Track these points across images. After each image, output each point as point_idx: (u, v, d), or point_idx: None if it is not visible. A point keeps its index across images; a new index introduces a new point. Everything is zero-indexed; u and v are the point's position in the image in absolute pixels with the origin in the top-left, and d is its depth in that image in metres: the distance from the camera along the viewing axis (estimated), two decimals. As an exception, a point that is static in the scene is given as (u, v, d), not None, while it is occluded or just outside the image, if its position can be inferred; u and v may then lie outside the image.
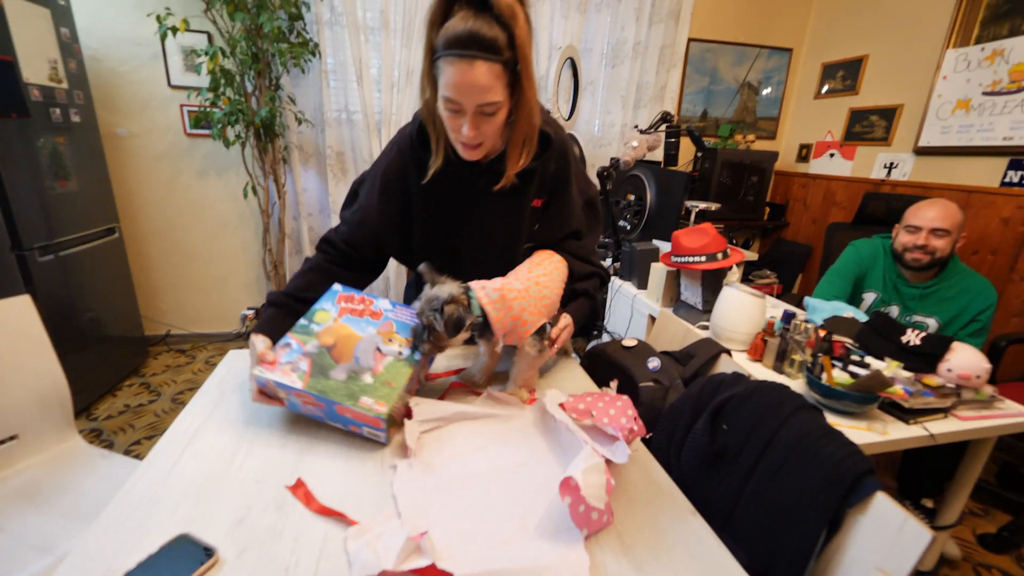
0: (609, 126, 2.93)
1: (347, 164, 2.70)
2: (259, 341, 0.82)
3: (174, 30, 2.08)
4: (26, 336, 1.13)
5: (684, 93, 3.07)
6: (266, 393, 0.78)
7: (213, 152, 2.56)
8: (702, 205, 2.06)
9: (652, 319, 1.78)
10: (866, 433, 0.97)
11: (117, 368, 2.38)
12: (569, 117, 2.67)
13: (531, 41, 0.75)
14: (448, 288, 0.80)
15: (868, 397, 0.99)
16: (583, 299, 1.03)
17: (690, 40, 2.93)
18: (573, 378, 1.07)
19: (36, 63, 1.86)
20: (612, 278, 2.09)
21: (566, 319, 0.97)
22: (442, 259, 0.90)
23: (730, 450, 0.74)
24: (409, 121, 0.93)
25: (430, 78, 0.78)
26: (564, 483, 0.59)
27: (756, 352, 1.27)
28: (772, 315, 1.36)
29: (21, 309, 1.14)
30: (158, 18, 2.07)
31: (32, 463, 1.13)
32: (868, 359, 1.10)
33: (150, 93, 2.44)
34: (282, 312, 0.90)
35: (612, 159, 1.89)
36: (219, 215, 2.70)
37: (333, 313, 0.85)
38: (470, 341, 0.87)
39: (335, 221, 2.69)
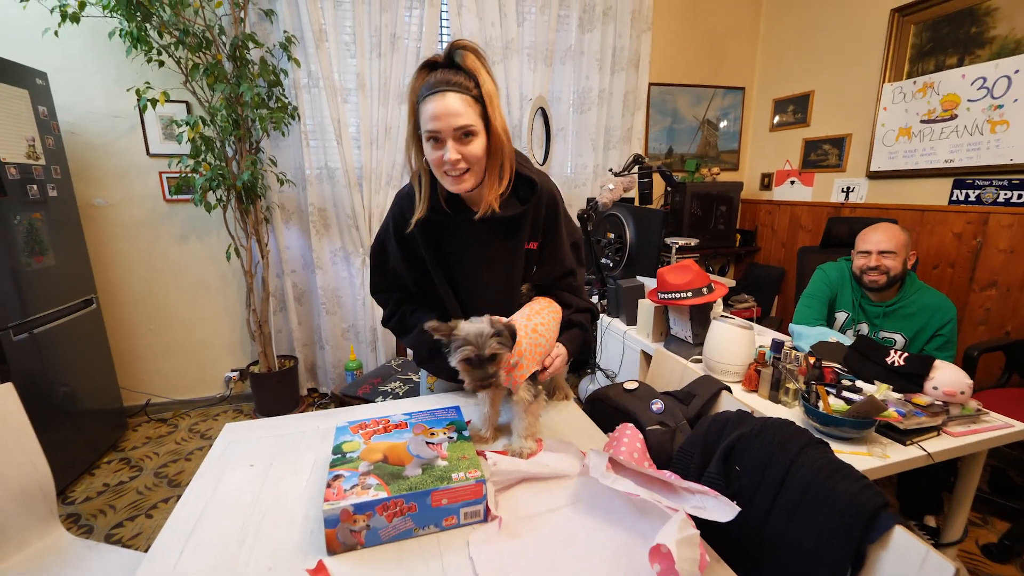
0: (582, 168, 3.04)
1: (329, 219, 2.72)
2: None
3: (153, 102, 2.11)
4: (7, 427, 1.08)
5: (649, 133, 3.23)
6: (337, 539, 0.70)
7: (193, 216, 2.55)
8: (681, 241, 2.13)
9: (644, 355, 1.80)
10: (869, 459, 0.99)
11: (94, 444, 2.25)
12: (544, 161, 2.78)
13: (496, 88, 0.87)
14: (499, 324, 0.84)
15: (865, 422, 1.01)
16: (576, 329, 1.08)
17: (651, 85, 3.11)
18: (576, 424, 1.07)
19: (13, 142, 1.85)
20: (600, 315, 2.13)
21: (559, 348, 1.01)
22: (455, 300, 1.00)
23: (745, 492, 0.75)
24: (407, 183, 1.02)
25: (415, 137, 0.89)
26: (655, 550, 0.58)
27: (751, 383, 1.29)
28: (761, 344, 1.39)
29: (3, 398, 1.08)
30: (137, 92, 2.10)
31: (14, 563, 1.05)
32: (859, 383, 1.14)
33: (128, 163, 2.43)
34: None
35: (589, 200, 1.95)
36: (200, 278, 2.66)
37: (359, 440, 0.85)
38: (455, 374, 0.90)
39: (319, 276, 2.70)
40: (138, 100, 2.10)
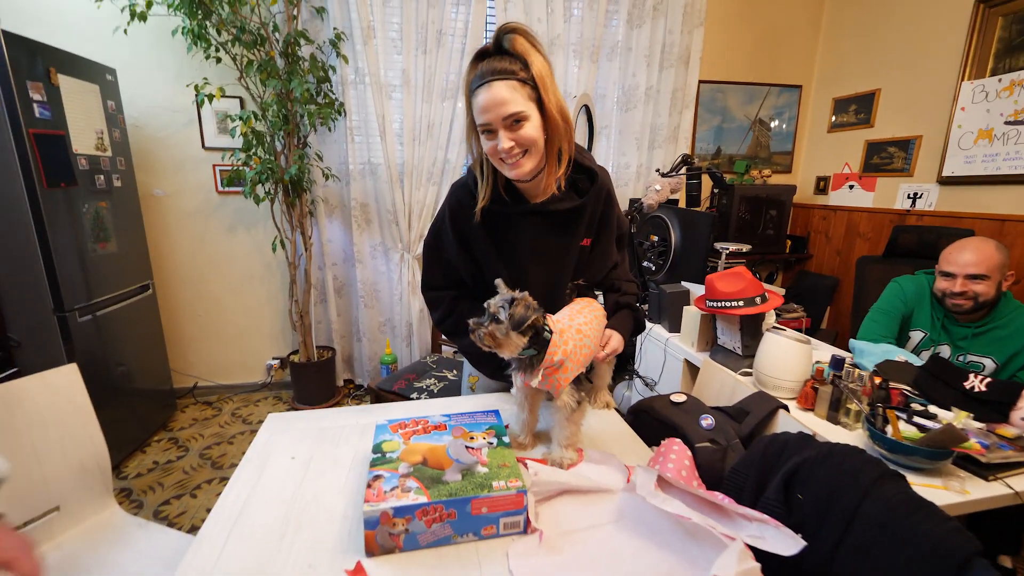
0: (624, 167, 2.97)
1: (371, 214, 2.77)
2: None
3: (210, 97, 2.20)
4: (72, 404, 1.14)
5: (697, 132, 3.12)
6: (375, 541, 0.69)
7: (242, 208, 2.65)
8: (732, 247, 2.04)
9: (688, 364, 1.74)
10: (945, 493, 0.90)
11: (146, 423, 2.38)
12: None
13: (549, 68, 0.85)
14: (528, 298, 0.82)
15: (941, 452, 0.93)
16: (626, 311, 1.07)
17: (700, 82, 3.00)
18: (618, 435, 1.03)
19: (85, 135, 1.97)
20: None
21: (610, 332, 1.00)
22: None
23: (808, 524, 0.69)
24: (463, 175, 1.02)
25: (473, 128, 0.89)
26: None
27: (807, 401, 1.21)
28: (818, 360, 1.31)
29: (68, 377, 1.14)
30: (196, 87, 2.19)
31: (70, 536, 1.10)
32: (932, 408, 1.05)
33: (185, 155, 2.55)
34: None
35: (633, 201, 1.90)
36: (246, 267, 2.76)
37: (399, 440, 0.85)
38: (505, 367, 0.90)
39: (359, 270, 2.75)
40: (196, 95, 2.19)
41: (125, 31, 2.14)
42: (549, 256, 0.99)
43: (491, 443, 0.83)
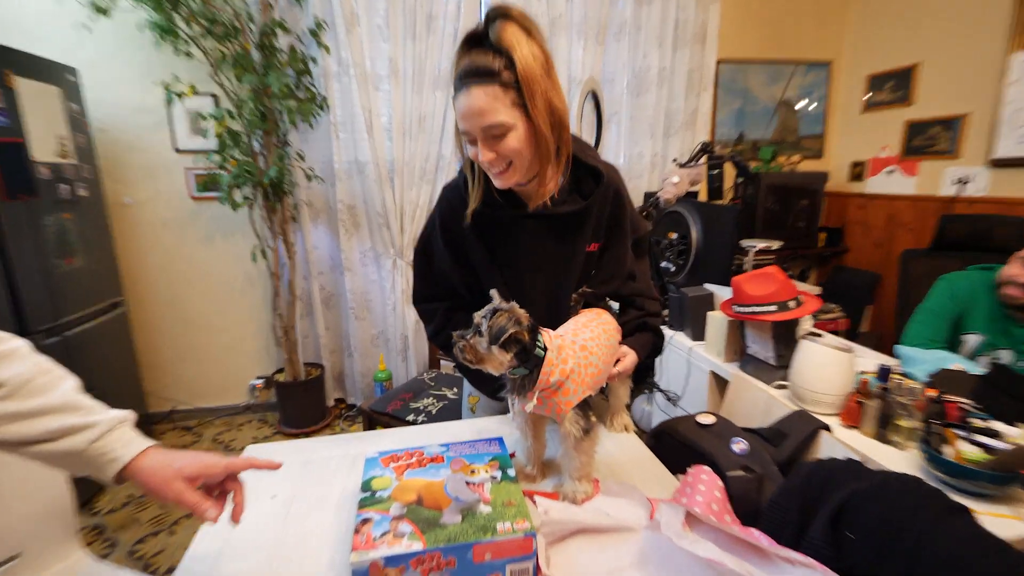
0: (637, 158, 2.95)
1: (359, 217, 2.75)
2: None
3: (181, 95, 2.19)
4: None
5: (717, 116, 3.09)
6: None
7: (219, 215, 2.64)
8: (761, 244, 2.01)
9: (715, 376, 1.71)
10: (1016, 523, 0.86)
11: (119, 454, 2.37)
12: (595, 150, 2.70)
13: (542, 62, 0.81)
14: (516, 309, 0.80)
15: (1010, 476, 0.89)
16: (648, 334, 1.05)
17: (719, 62, 2.97)
18: (638, 460, 1.00)
19: (45, 141, 1.96)
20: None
21: (625, 348, 0.98)
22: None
23: (860, 567, 0.65)
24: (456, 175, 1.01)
25: (459, 127, 0.86)
26: None
27: (851, 417, 1.17)
28: (862, 369, 1.27)
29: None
30: (165, 86, 2.19)
31: (32, 587, 1.08)
32: (995, 424, 1.00)
33: (156, 160, 2.55)
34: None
35: (648, 195, 1.87)
36: (225, 280, 2.76)
37: (390, 475, 0.82)
38: (501, 388, 0.88)
39: (348, 278, 2.74)
40: (166, 94, 2.19)
41: (88, 27, 2.14)
42: (550, 264, 0.98)
43: (495, 477, 0.80)
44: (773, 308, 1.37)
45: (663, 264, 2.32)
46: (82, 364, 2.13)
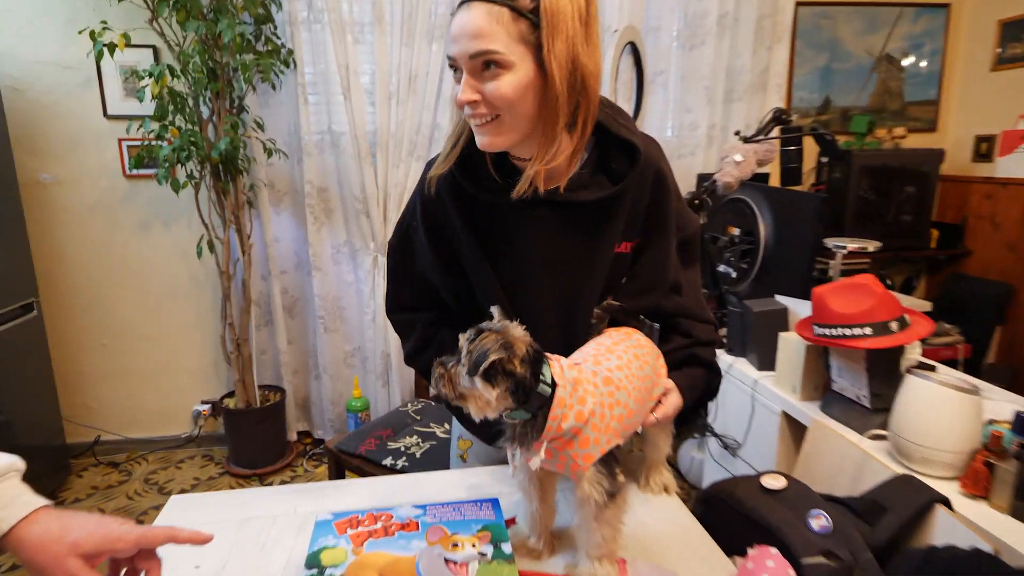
0: (690, 129, 2.94)
1: (331, 202, 2.77)
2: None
3: (111, 47, 2.21)
4: None
5: (795, 77, 3.08)
6: None
7: (159, 198, 2.67)
8: (853, 244, 1.98)
9: (787, 418, 1.69)
10: None
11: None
12: (632, 120, 2.67)
13: (579, 3, 0.78)
14: (511, 330, 0.76)
15: None
16: (700, 369, 1.02)
17: (798, 3, 2.94)
18: (680, 533, 0.96)
19: (-61, 103, 1.99)
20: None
21: (668, 383, 0.96)
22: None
23: None
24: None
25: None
26: None
27: (975, 484, 1.13)
28: (991, 417, 1.22)
29: None
30: (92, 34, 2.20)
31: None
32: None
33: (81, 127, 2.59)
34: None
35: (702, 178, 1.84)
36: (165, 280, 2.79)
37: (345, 546, 0.81)
38: (500, 435, 0.84)
39: (317, 280, 2.75)
40: (93, 45, 2.20)
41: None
42: (564, 267, 0.96)
43: (484, 553, 0.79)
44: (868, 331, 1.35)
45: (721, 268, 2.32)
46: (-18, 382, 2.15)
